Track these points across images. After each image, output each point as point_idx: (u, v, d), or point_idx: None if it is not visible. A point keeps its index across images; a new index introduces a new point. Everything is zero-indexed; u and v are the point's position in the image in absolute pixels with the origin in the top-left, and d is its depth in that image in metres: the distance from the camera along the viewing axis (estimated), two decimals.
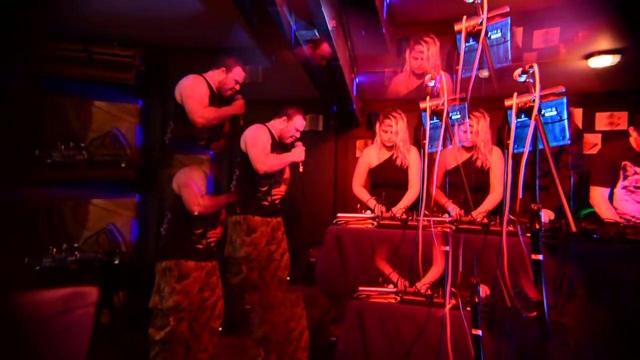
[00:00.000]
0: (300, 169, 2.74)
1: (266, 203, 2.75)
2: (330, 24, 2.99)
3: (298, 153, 2.75)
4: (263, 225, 2.71)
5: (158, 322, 2.23)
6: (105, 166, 3.44)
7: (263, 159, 2.70)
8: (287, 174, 2.91)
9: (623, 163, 2.18)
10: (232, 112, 2.50)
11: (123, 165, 3.49)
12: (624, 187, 2.20)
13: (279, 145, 2.87)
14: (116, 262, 3.18)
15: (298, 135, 2.89)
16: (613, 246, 1.46)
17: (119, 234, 3.54)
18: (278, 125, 2.85)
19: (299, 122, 2.87)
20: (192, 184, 2.31)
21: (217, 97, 2.52)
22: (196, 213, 2.26)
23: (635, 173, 2.16)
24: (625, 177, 2.18)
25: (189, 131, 2.39)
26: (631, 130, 2.17)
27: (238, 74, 2.56)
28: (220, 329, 2.57)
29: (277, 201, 2.81)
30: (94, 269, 2.91)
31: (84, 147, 3.42)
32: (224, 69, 2.51)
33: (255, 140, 2.74)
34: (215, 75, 2.51)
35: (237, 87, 2.58)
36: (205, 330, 2.38)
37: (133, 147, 3.62)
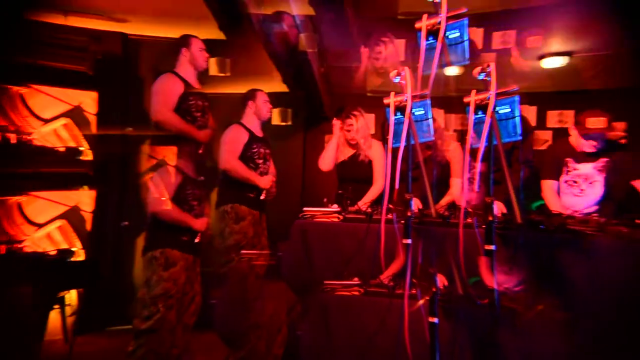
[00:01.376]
0: (262, 197, 2.79)
1: (252, 195, 2.76)
2: (299, 17, 2.98)
3: (265, 181, 2.80)
4: (249, 215, 2.74)
5: (145, 311, 2.19)
6: (58, 158, 3.23)
7: (229, 159, 2.72)
8: (272, 168, 2.93)
9: (566, 160, 2.35)
10: (195, 136, 2.42)
11: (79, 157, 3.30)
12: (565, 182, 2.37)
13: (259, 140, 2.87)
14: (69, 259, 3.01)
15: (270, 105, 2.92)
16: (556, 236, 1.58)
17: (74, 230, 3.34)
18: (250, 113, 2.85)
19: (262, 95, 2.90)
20: (161, 183, 2.27)
21: (196, 92, 2.46)
22: (152, 211, 2.25)
23: (574, 169, 2.31)
24: (567, 172, 2.34)
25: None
26: (570, 129, 2.32)
27: (197, 42, 2.50)
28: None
29: (262, 195, 2.82)
30: (43, 267, 2.74)
31: (33, 137, 3.19)
32: (184, 48, 2.45)
33: (227, 139, 2.77)
34: (184, 61, 2.45)
35: (206, 53, 2.52)
36: (179, 325, 2.34)
37: (90, 138, 3.42)
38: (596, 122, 2.12)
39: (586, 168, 2.27)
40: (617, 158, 2.22)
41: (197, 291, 2.43)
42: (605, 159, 2.25)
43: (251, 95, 2.85)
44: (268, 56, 3.05)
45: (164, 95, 2.35)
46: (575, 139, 2.28)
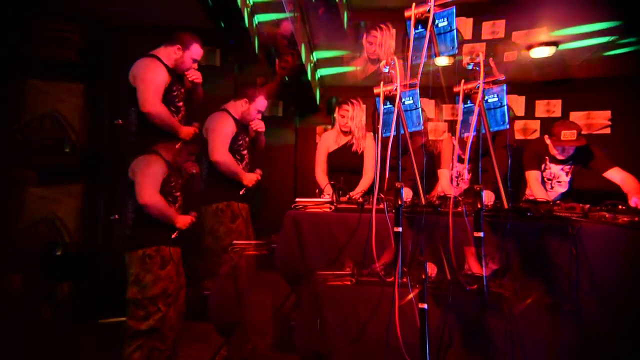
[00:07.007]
0: (241, 192, 2.75)
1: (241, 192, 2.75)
2: (288, 8, 2.94)
3: (250, 178, 2.76)
4: (243, 210, 2.74)
5: (141, 312, 2.14)
6: (44, 151, 3.14)
7: (222, 151, 2.66)
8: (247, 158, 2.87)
9: (545, 157, 2.58)
10: (178, 132, 2.30)
11: (67, 150, 3.21)
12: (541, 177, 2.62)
13: (244, 129, 2.83)
14: (58, 253, 2.97)
15: (259, 117, 2.85)
16: (542, 222, 1.62)
17: (62, 223, 3.29)
18: (239, 108, 2.80)
19: (260, 104, 2.83)
20: (151, 174, 2.17)
21: (177, 78, 2.37)
22: (142, 203, 2.14)
23: (549, 167, 2.60)
24: (544, 170, 2.61)
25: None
26: (545, 138, 2.54)
27: (196, 51, 2.36)
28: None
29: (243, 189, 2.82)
30: (33, 260, 2.71)
31: (17, 129, 3.09)
32: (180, 46, 2.32)
33: (219, 129, 2.70)
34: (170, 53, 2.32)
35: (195, 66, 2.41)
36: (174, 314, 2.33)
37: (78, 131, 3.33)
38: (568, 134, 2.41)
39: (556, 169, 2.59)
40: (588, 159, 2.49)
41: (183, 283, 2.37)
42: (572, 165, 2.55)
43: (251, 95, 2.77)
44: (258, 47, 3.01)
45: (154, 84, 2.21)
46: (550, 148, 2.54)
